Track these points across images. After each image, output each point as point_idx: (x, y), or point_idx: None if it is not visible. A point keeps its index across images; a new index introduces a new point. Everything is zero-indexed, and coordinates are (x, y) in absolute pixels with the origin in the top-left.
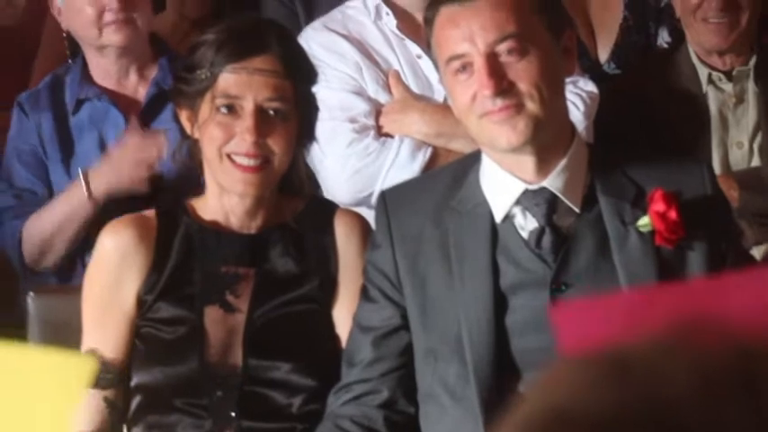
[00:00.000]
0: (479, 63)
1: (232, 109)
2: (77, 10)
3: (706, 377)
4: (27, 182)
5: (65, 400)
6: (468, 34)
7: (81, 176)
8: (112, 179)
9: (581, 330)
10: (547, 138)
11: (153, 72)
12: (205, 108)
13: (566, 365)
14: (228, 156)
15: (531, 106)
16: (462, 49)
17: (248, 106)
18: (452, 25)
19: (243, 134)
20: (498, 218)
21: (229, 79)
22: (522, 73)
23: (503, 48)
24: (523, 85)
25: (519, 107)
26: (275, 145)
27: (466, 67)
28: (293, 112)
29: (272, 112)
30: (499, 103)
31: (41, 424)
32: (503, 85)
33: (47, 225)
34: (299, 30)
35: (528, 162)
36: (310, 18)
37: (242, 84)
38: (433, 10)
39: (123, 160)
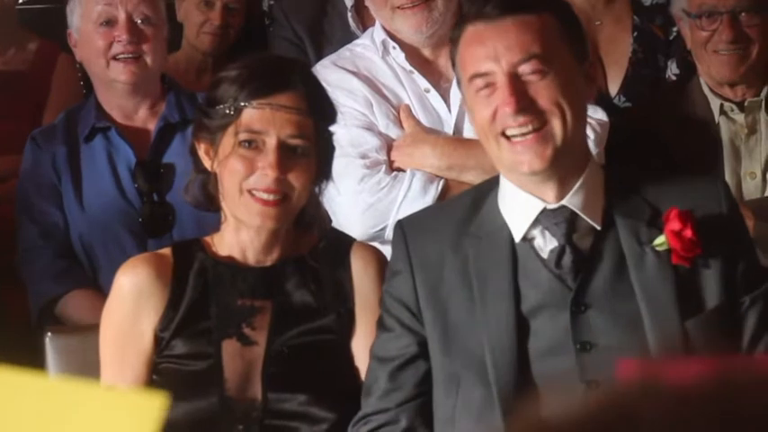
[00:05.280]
0: (502, 81)
1: (254, 144)
2: (88, 40)
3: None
4: (49, 215)
5: None
6: (492, 53)
7: None
8: None
9: None
10: (568, 162)
11: (162, 107)
12: (227, 142)
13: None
14: (249, 191)
15: (555, 123)
16: (486, 68)
17: (271, 142)
18: (477, 43)
19: (265, 169)
20: (517, 237)
21: (253, 114)
22: (544, 91)
23: (526, 68)
24: (544, 102)
25: (543, 132)
26: (295, 181)
27: (488, 86)
28: (313, 149)
29: (293, 149)
30: (520, 119)
31: None
32: (524, 103)
33: None
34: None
35: (549, 183)
36: (319, 56)
37: (266, 119)
38: (459, 29)
39: None
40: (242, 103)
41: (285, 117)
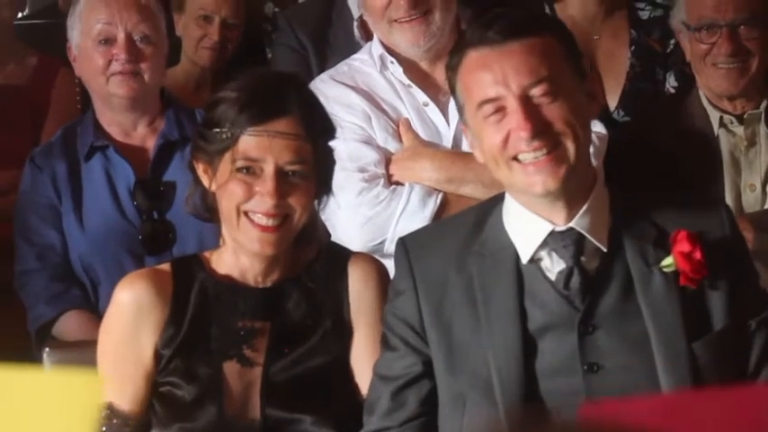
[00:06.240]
0: (514, 106)
1: (252, 170)
2: (88, 57)
3: None
4: (46, 237)
5: (77, 418)
6: (500, 77)
7: None
8: None
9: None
10: (577, 181)
11: (161, 124)
12: (224, 167)
13: None
14: (246, 213)
15: (568, 144)
16: (495, 93)
17: (269, 169)
18: (483, 68)
19: (263, 195)
20: (525, 259)
21: (250, 142)
22: (556, 113)
23: (537, 91)
24: (559, 125)
25: (556, 153)
26: (296, 204)
27: (498, 110)
28: (312, 171)
29: (292, 174)
30: (535, 143)
31: None
32: (539, 127)
33: None
34: (311, 78)
35: (557, 205)
36: (323, 66)
37: (263, 147)
38: (458, 55)
39: None
40: (238, 130)
41: (282, 144)
